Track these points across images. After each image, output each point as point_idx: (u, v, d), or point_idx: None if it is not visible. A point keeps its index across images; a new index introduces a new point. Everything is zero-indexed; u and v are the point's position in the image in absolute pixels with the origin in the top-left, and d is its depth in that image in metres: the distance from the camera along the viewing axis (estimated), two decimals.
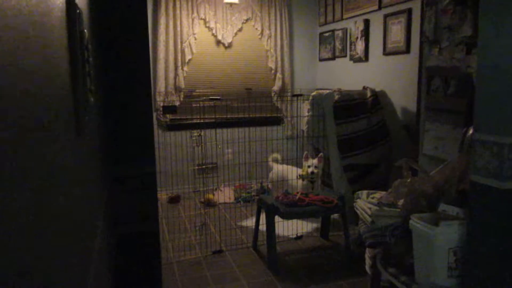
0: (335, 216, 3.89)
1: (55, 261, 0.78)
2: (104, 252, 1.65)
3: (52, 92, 0.80)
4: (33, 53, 0.66)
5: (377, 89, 3.99)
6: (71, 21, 0.98)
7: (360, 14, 4.62)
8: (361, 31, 4.60)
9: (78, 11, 1.04)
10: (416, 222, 2.12)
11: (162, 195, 4.96)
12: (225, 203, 4.81)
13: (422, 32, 3.32)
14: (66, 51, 0.95)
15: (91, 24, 1.60)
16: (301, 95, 4.01)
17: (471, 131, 2.25)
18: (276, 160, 4.63)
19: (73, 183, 0.99)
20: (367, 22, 4.53)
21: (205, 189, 4.65)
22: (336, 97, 3.85)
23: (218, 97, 3.85)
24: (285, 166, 4.44)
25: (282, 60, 5.58)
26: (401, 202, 2.49)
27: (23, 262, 0.58)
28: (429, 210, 2.22)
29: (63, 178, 0.88)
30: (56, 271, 0.79)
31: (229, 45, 5.42)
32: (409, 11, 3.87)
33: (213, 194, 4.89)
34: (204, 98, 4.07)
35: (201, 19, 5.24)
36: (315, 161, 3.96)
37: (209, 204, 4.66)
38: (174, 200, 4.95)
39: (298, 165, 4.24)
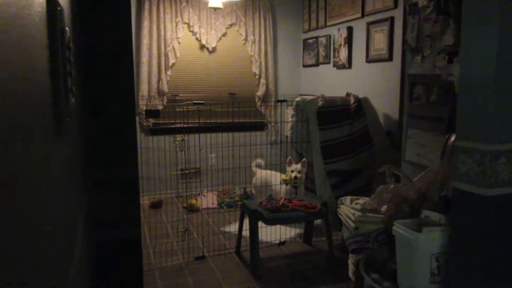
0: (318, 221, 3.89)
1: (31, 268, 0.75)
2: (84, 258, 1.60)
3: (29, 90, 0.77)
4: (9, 48, 0.63)
5: (360, 96, 4.02)
6: (52, 17, 0.95)
7: (344, 22, 4.66)
8: (345, 38, 4.63)
9: (59, 8, 1.01)
10: (399, 228, 2.13)
11: (144, 200, 4.89)
12: (208, 208, 4.77)
13: (404, 40, 3.36)
14: (45, 49, 0.92)
15: (73, 24, 1.56)
16: (284, 100, 4.01)
17: (453, 138, 2.28)
18: (259, 166, 4.62)
19: (51, 186, 0.96)
20: (350, 30, 4.57)
21: (188, 194, 4.60)
22: (320, 103, 3.87)
23: (202, 102, 3.82)
24: (268, 171, 4.43)
25: (266, 65, 5.58)
26: (384, 208, 2.50)
27: None
28: (412, 216, 2.23)
29: (40, 181, 0.84)
30: (32, 279, 0.75)
31: (213, 50, 5.40)
32: (391, 20, 3.91)
33: (196, 199, 4.84)
34: (188, 102, 4.03)
35: (185, 23, 5.21)
36: (298, 166, 3.96)
37: (192, 209, 4.61)
38: (156, 205, 4.88)
39: (282, 170, 4.23)
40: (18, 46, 0.69)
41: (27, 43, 0.75)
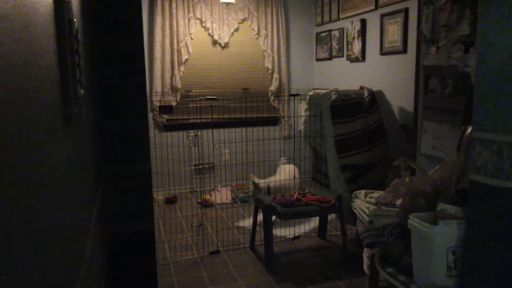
0: (332, 216, 3.87)
1: (41, 262, 0.75)
2: (96, 252, 1.61)
3: (35, 80, 0.77)
4: (14, 37, 0.63)
5: (374, 89, 3.97)
6: (59, 7, 0.95)
7: (357, 14, 4.60)
8: (358, 31, 4.58)
9: None
10: (414, 222, 2.10)
11: (159, 196, 4.93)
12: (222, 203, 4.78)
13: (419, 31, 3.30)
14: (52, 38, 0.92)
15: (85, 19, 1.57)
16: (298, 95, 3.98)
17: (469, 130, 2.23)
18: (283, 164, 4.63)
19: (58, 178, 0.96)
20: (363, 22, 4.51)
21: (202, 189, 4.62)
22: (333, 97, 3.83)
23: (215, 97, 3.82)
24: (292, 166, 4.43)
25: (279, 60, 5.56)
26: (399, 201, 2.47)
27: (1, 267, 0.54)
28: (427, 210, 2.19)
29: (47, 172, 0.84)
30: (41, 273, 0.75)
31: (226, 45, 5.39)
32: (406, 11, 3.85)
33: (210, 195, 4.86)
34: (201, 98, 4.04)
35: (198, 19, 5.22)
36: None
37: (206, 204, 4.63)
38: (171, 200, 4.91)
39: (295, 165, 4.21)
40: (23, 35, 0.68)
41: (32, 32, 0.75)
